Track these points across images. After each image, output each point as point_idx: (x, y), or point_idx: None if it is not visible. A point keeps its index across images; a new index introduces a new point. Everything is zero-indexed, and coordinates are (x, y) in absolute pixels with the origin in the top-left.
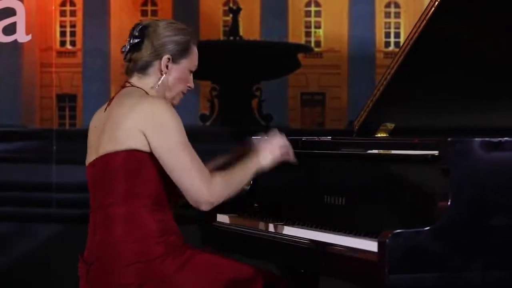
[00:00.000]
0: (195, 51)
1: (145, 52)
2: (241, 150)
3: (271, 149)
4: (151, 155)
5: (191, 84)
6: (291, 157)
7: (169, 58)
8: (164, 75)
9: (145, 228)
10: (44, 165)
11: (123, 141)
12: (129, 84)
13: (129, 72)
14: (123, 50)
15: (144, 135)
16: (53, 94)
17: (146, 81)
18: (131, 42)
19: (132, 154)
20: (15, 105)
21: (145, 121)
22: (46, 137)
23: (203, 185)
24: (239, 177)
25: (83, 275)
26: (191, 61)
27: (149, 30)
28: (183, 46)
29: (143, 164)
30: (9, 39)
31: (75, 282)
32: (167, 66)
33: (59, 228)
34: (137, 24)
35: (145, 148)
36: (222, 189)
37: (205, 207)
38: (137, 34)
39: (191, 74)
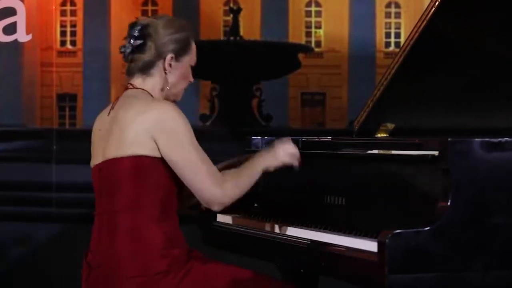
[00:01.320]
0: (194, 46)
1: (149, 53)
2: (247, 158)
3: (278, 151)
4: (158, 160)
5: (192, 79)
6: (296, 163)
7: (172, 57)
8: (168, 73)
9: (150, 241)
10: (44, 164)
11: (130, 146)
12: (131, 86)
13: (130, 73)
14: (123, 50)
15: (154, 140)
16: (53, 93)
17: (149, 82)
18: (132, 43)
19: (139, 160)
20: (15, 105)
21: (155, 126)
22: (46, 136)
23: (215, 186)
24: (248, 177)
25: (85, 276)
26: (192, 56)
27: (149, 30)
28: (184, 43)
29: (150, 170)
30: (9, 38)
31: (74, 282)
32: (170, 65)
33: (59, 227)
34: (135, 24)
35: (153, 154)
36: (234, 189)
37: (217, 207)
38: (137, 34)
39: (190, 70)
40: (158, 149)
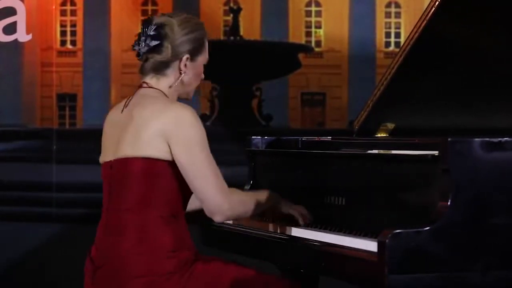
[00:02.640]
0: (207, 44)
1: (165, 54)
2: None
3: (291, 203)
4: (170, 164)
5: (203, 76)
6: (301, 221)
7: (188, 58)
8: (183, 74)
9: (158, 241)
10: (44, 164)
11: (144, 147)
12: (146, 85)
13: (144, 72)
14: (137, 48)
15: (168, 143)
16: (53, 93)
17: (164, 82)
18: (147, 42)
19: (152, 162)
20: (15, 105)
21: (170, 129)
22: (46, 136)
23: (221, 196)
24: (255, 201)
25: (89, 274)
26: (206, 55)
27: (166, 30)
28: (199, 43)
29: (162, 173)
30: (9, 38)
31: (75, 282)
32: (185, 65)
33: (59, 227)
34: (150, 22)
35: (165, 157)
36: (239, 205)
37: (219, 218)
38: (153, 33)
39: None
40: (171, 152)
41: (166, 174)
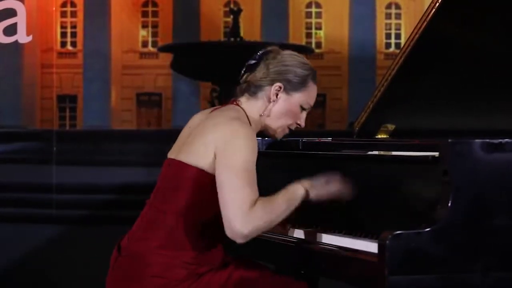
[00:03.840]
0: (312, 88)
1: (259, 74)
2: None
3: (321, 185)
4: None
5: (302, 122)
6: (345, 195)
7: (280, 87)
8: (272, 102)
9: (182, 251)
10: (44, 166)
11: (197, 156)
12: (235, 103)
13: (238, 92)
14: (242, 72)
15: (215, 153)
16: (53, 95)
17: (252, 104)
18: (249, 62)
19: (202, 174)
20: (15, 106)
21: (220, 140)
22: (47, 138)
23: (240, 223)
24: (281, 208)
25: (113, 260)
26: (305, 97)
27: (269, 55)
28: (299, 79)
29: (208, 187)
30: (10, 40)
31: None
32: (276, 95)
33: (59, 229)
34: (263, 48)
35: (213, 170)
36: (261, 222)
37: (239, 240)
38: (257, 56)
39: (303, 112)
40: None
41: (213, 189)
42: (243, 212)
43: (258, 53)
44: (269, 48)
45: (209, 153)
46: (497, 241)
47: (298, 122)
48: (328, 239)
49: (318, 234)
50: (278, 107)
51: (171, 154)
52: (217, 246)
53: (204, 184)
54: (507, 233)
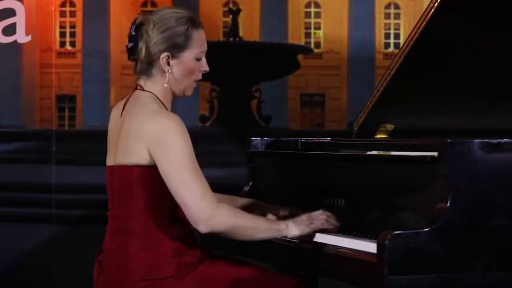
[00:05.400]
0: (197, 37)
1: (142, 53)
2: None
3: (302, 222)
4: None
5: (206, 68)
6: (325, 225)
7: (168, 55)
8: (167, 72)
9: (161, 246)
10: (43, 165)
11: (135, 156)
12: (139, 87)
13: (137, 73)
14: (127, 49)
15: (150, 154)
16: (52, 95)
17: (152, 83)
18: (128, 45)
19: (146, 170)
20: (15, 106)
21: (151, 140)
22: (46, 137)
23: (204, 203)
24: (254, 222)
25: (97, 275)
26: (196, 49)
27: (142, 29)
28: (181, 38)
29: (159, 178)
30: (9, 39)
31: (74, 283)
32: (168, 63)
33: (59, 229)
34: (133, 22)
35: (154, 163)
36: (227, 216)
37: (203, 228)
38: (131, 35)
39: (201, 60)
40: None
41: (162, 181)
42: (202, 192)
43: (131, 34)
44: (137, 22)
45: (143, 152)
46: (496, 241)
47: (202, 70)
48: (327, 239)
49: (317, 234)
50: (176, 73)
51: (109, 162)
52: (190, 230)
53: (153, 179)
54: (506, 233)
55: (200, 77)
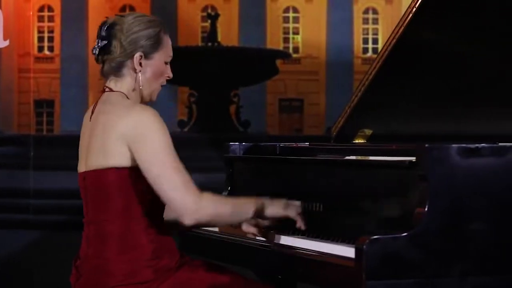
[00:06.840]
0: (167, 41)
1: (116, 53)
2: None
3: (279, 205)
4: (139, 169)
5: (170, 74)
6: (301, 222)
7: (141, 55)
8: (139, 73)
9: (138, 249)
10: (21, 171)
11: (111, 157)
12: (108, 89)
13: (104, 74)
14: (94, 52)
15: (129, 149)
16: (30, 99)
17: (123, 83)
18: (99, 44)
19: (122, 172)
20: None
21: (129, 135)
22: (24, 142)
23: (188, 195)
24: (233, 205)
25: (73, 282)
26: (165, 52)
27: (115, 29)
28: (153, 40)
29: (134, 180)
30: None
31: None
32: (140, 64)
33: (37, 234)
34: (104, 23)
35: (133, 163)
36: (211, 206)
37: (188, 221)
38: (104, 34)
39: (168, 65)
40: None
41: (139, 181)
42: (186, 184)
43: (103, 33)
44: (109, 22)
45: (121, 149)
46: (474, 245)
47: (167, 76)
48: (305, 244)
49: (296, 239)
50: (147, 74)
51: (81, 168)
52: (168, 233)
53: (129, 180)
54: (484, 238)
55: (165, 82)
